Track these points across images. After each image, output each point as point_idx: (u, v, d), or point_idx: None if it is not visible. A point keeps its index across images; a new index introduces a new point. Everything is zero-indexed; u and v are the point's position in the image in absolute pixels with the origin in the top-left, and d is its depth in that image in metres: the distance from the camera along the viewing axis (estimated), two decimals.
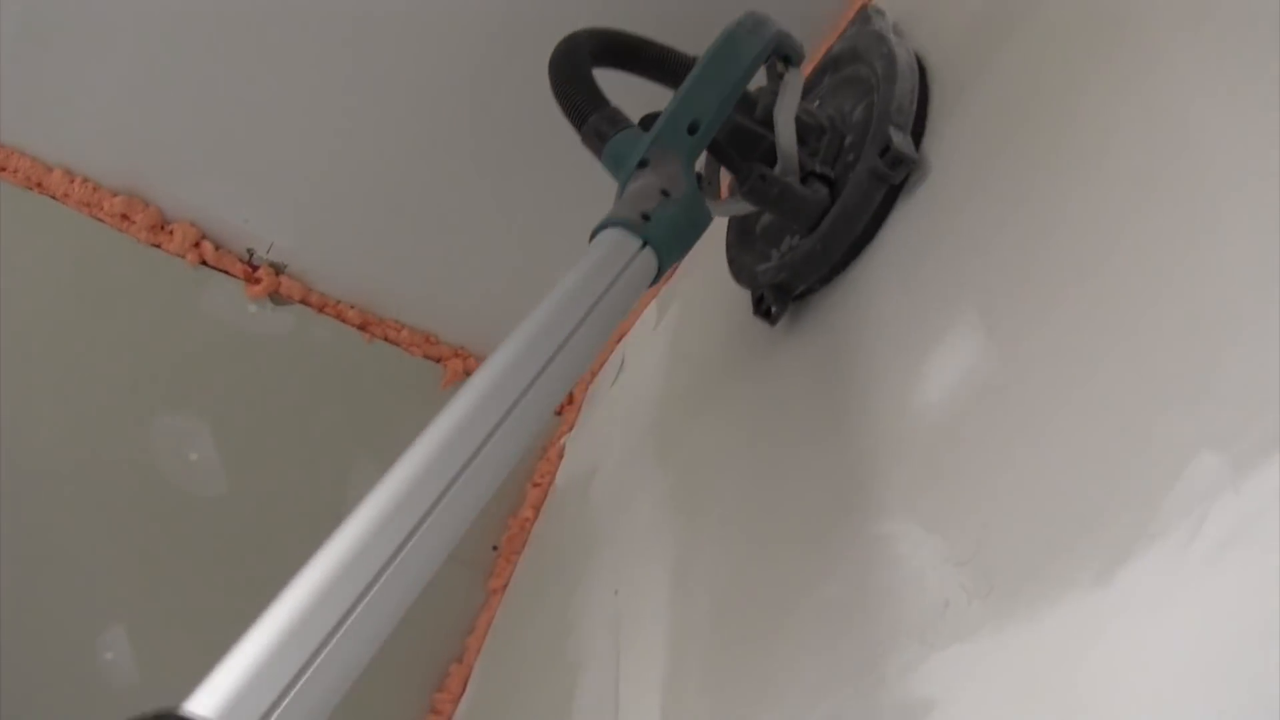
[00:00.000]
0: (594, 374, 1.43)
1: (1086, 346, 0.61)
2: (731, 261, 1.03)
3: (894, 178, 0.85)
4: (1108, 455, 0.56)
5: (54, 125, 1.27)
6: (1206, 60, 0.62)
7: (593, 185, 1.25)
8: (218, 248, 1.31)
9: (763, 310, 0.95)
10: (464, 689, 1.43)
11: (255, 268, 1.31)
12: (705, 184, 0.97)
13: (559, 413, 1.45)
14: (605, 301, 0.73)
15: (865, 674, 0.66)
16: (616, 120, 0.87)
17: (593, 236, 0.80)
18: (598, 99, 0.89)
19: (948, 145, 0.85)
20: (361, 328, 1.35)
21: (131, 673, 1.32)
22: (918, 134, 0.88)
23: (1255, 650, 0.43)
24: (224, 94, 1.24)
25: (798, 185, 0.89)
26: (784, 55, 0.92)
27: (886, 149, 0.84)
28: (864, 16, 0.99)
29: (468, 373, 1.39)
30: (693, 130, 0.85)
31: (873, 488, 0.73)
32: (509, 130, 1.26)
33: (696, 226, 0.83)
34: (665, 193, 0.81)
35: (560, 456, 1.42)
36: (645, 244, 0.78)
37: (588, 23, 0.94)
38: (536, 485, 1.43)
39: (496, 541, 1.43)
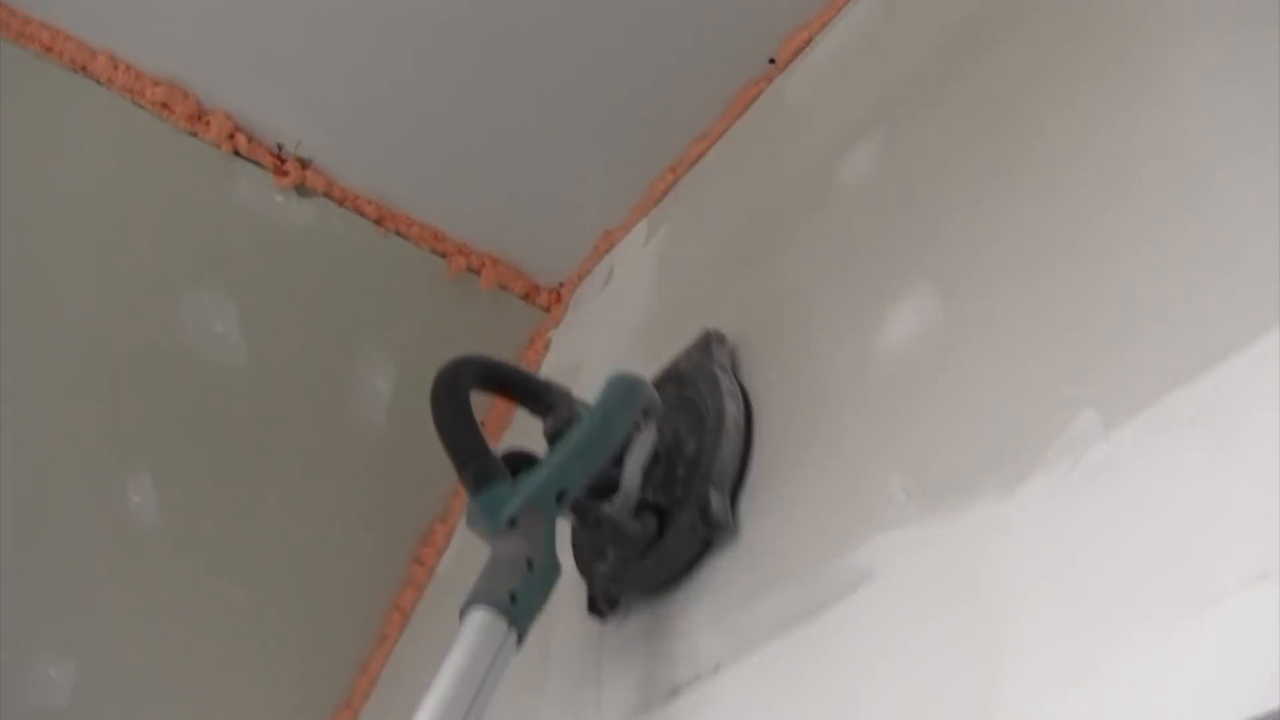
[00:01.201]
0: (580, 277, 1.61)
1: (1015, 334, 0.82)
2: (575, 546, 1.13)
3: (709, 535, 1.00)
4: (1020, 404, 0.77)
5: (102, 9, 1.36)
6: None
7: (597, 93, 1.40)
8: (250, 140, 1.43)
9: (595, 609, 1.10)
10: (447, 543, 1.63)
11: (284, 160, 1.44)
12: None
13: (546, 309, 1.62)
14: (486, 685, 0.85)
15: (826, 548, 0.88)
16: (492, 474, 0.96)
17: (464, 610, 0.89)
18: (477, 445, 0.99)
19: (757, 507, 1.01)
20: (377, 221, 1.49)
21: (155, 515, 1.49)
22: (735, 492, 1.02)
23: (1107, 544, 0.65)
24: None
25: (630, 523, 1.02)
26: (646, 412, 1.05)
27: (704, 510, 0.99)
28: (705, 345, 1.12)
29: (470, 268, 1.55)
30: (560, 498, 0.96)
31: (846, 414, 0.94)
32: (522, 37, 1.37)
33: (550, 590, 0.93)
34: (529, 563, 0.92)
35: (546, 348, 1.61)
36: (511, 624, 0.88)
37: None
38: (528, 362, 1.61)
39: (483, 418, 1.62)
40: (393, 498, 1.63)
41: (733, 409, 1.04)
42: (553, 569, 0.93)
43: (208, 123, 1.40)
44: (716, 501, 1.00)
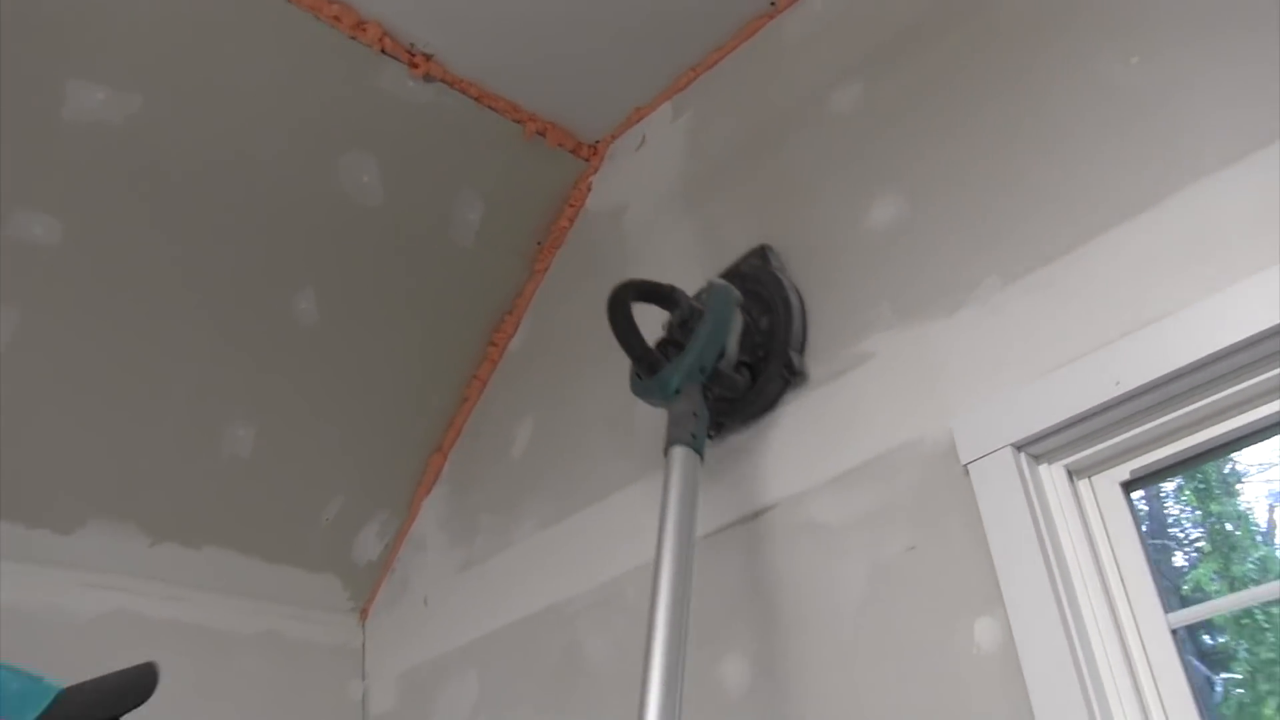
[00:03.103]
0: (614, 138, 2.22)
1: (955, 223, 1.53)
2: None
3: (793, 382, 1.62)
4: (955, 267, 1.50)
5: None
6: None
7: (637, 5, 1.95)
8: (393, 42, 1.92)
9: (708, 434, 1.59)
10: (515, 332, 2.29)
11: (415, 57, 1.95)
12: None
13: (587, 160, 2.23)
14: (697, 487, 1.42)
15: (845, 344, 1.61)
16: (658, 362, 1.55)
17: (667, 449, 1.46)
18: (643, 343, 1.56)
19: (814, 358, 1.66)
20: (476, 99, 2.03)
21: (314, 317, 2.08)
22: (801, 347, 1.64)
23: (998, 344, 1.40)
24: None
25: (733, 375, 1.59)
26: (738, 305, 1.62)
27: (789, 365, 1.61)
28: (762, 254, 1.71)
29: (539, 133, 2.13)
30: (703, 370, 1.54)
31: (849, 269, 1.64)
32: None
33: (706, 430, 1.50)
34: (695, 414, 1.48)
35: (589, 190, 2.23)
36: (697, 452, 1.46)
37: None
38: (571, 206, 2.23)
39: (541, 239, 2.25)
40: (475, 297, 2.26)
41: (794, 299, 1.67)
42: (706, 417, 1.54)
43: (365, 29, 1.90)
44: (796, 359, 1.64)
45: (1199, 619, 1.27)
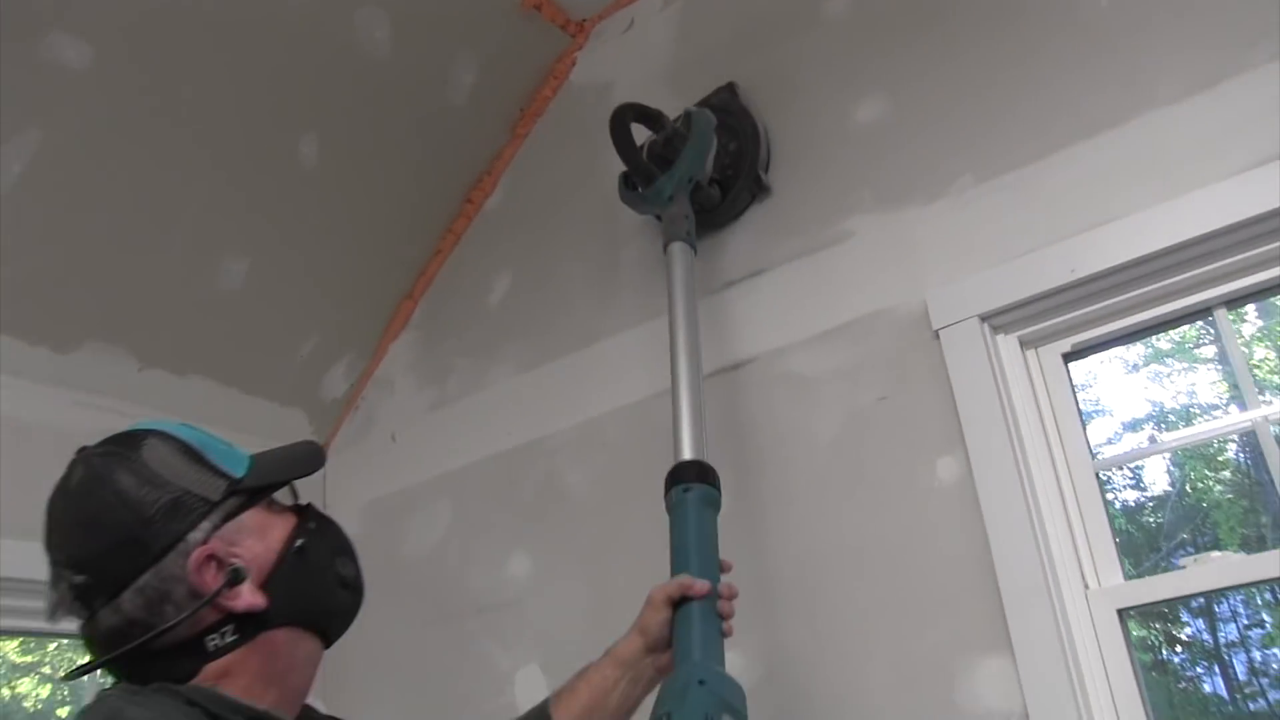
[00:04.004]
0: (600, 19, 2.35)
1: (934, 123, 1.77)
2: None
3: (760, 196, 1.90)
4: (932, 163, 1.75)
5: None
6: None
7: None
8: None
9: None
10: (492, 191, 2.43)
11: None
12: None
13: (573, 35, 2.36)
14: (695, 273, 1.73)
15: (827, 217, 1.84)
16: (654, 174, 1.83)
17: (666, 245, 1.75)
18: (640, 159, 1.84)
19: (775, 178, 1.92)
20: None
21: (315, 161, 2.17)
22: (766, 167, 1.91)
23: (965, 230, 1.67)
24: None
25: (708, 189, 1.88)
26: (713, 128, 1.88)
27: (757, 180, 1.88)
28: (731, 89, 1.96)
29: (535, 6, 2.25)
30: (690, 181, 1.82)
31: (836, 155, 1.87)
32: None
33: (694, 228, 1.80)
34: (686, 217, 1.78)
35: (574, 64, 2.37)
36: (692, 246, 1.75)
37: None
38: (555, 78, 2.36)
39: (524, 106, 2.38)
40: (459, 155, 2.39)
41: (760, 127, 1.95)
42: (693, 219, 1.83)
43: None
44: (763, 176, 1.93)
45: (1120, 463, 1.59)
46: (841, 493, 1.69)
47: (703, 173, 1.88)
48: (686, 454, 1.44)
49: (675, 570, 1.30)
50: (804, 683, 1.65)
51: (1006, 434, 1.55)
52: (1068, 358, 1.63)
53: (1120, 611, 1.45)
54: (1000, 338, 1.64)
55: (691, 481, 1.38)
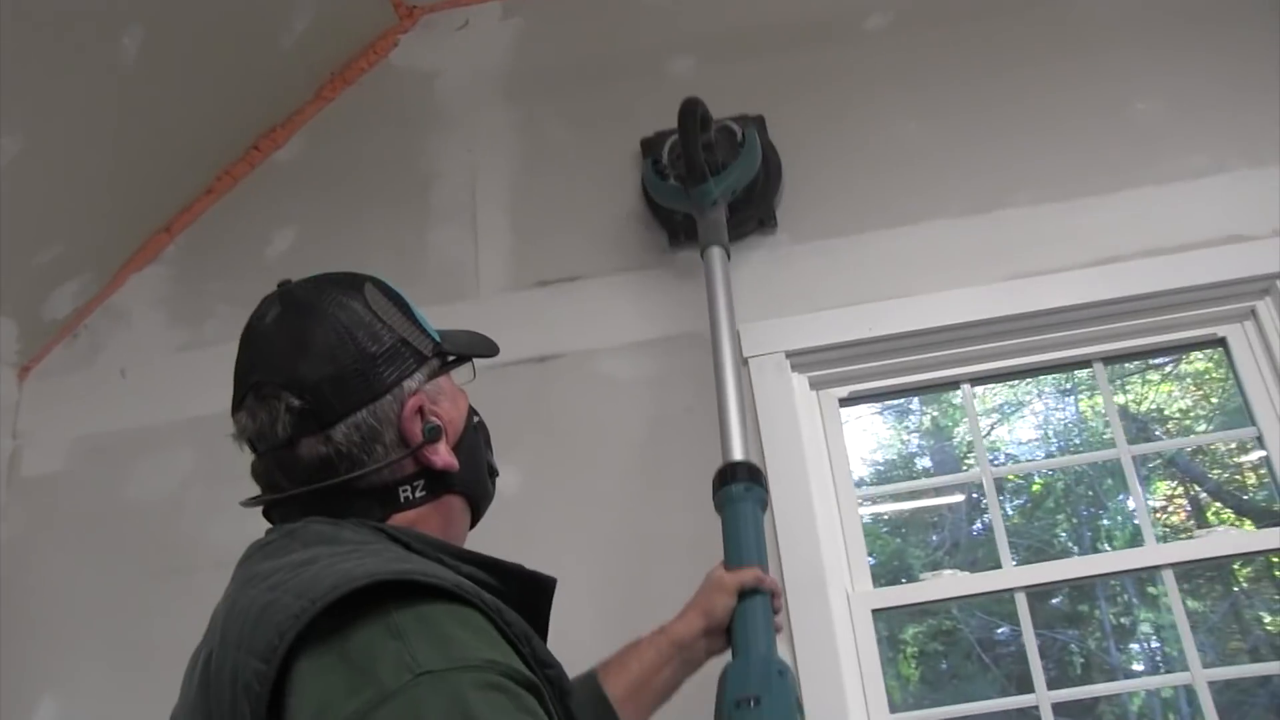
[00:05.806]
0: (431, 11, 2.41)
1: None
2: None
3: (767, 228, 2.01)
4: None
5: None
6: None
7: None
8: None
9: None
10: (284, 143, 2.36)
11: None
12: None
13: (402, 16, 2.38)
14: (731, 278, 1.79)
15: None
16: (706, 175, 1.82)
17: (703, 250, 1.79)
18: (700, 160, 1.81)
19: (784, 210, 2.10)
20: None
21: (135, 55, 2.02)
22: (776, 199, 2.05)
23: (795, 287, 1.96)
24: None
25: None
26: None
27: (770, 214, 1.98)
28: (761, 122, 2.02)
29: None
30: (733, 192, 1.87)
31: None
32: None
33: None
34: (722, 224, 1.82)
35: (394, 45, 2.39)
36: (727, 252, 1.80)
37: None
38: (374, 52, 2.37)
39: (336, 71, 2.36)
40: (259, 98, 2.30)
41: (775, 160, 2.00)
42: (726, 226, 1.86)
43: None
44: (774, 213, 2.00)
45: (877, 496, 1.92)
46: (645, 487, 1.87)
47: (741, 188, 1.91)
48: (737, 454, 1.51)
49: (734, 562, 1.35)
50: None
51: (800, 455, 1.82)
52: (843, 401, 1.96)
53: (874, 611, 1.77)
54: (794, 375, 1.93)
55: (748, 481, 1.46)
